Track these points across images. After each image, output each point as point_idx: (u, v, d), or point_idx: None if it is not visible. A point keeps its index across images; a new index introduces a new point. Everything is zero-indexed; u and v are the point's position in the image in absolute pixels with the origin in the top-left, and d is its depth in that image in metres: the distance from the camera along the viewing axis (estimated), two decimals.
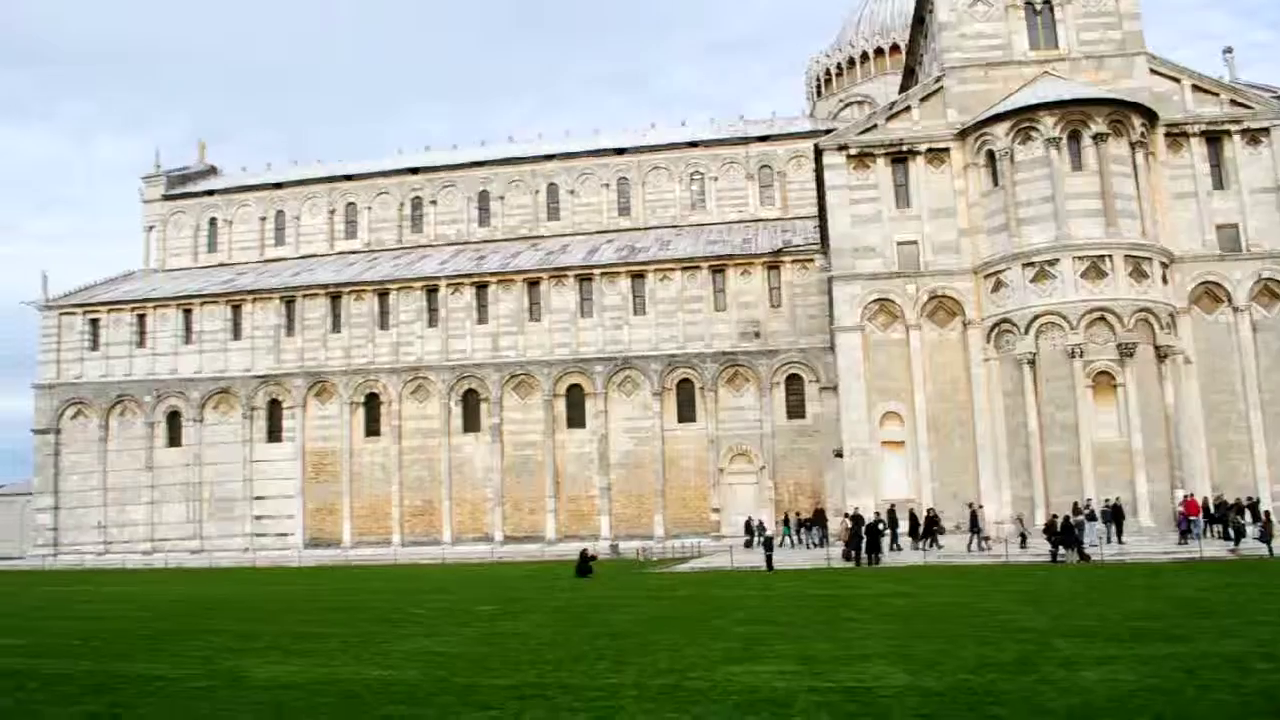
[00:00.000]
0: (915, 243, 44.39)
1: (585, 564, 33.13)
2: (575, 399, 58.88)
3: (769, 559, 32.41)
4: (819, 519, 45.10)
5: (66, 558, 62.66)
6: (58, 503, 64.64)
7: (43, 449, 65.26)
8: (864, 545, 33.22)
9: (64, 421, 65.22)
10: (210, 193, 75.10)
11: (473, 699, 11.02)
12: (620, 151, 68.71)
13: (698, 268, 58.22)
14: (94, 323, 66.48)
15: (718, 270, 58.20)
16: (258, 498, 62.13)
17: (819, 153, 46.56)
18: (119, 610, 25.41)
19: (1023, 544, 35.30)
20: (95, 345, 66.10)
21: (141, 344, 65.42)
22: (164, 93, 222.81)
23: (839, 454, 46.28)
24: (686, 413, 57.44)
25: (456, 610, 22.63)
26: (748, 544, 45.68)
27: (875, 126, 45.70)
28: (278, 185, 73.80)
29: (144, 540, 62.73)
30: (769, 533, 38.18)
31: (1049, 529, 32.29)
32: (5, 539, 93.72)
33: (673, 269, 58.54)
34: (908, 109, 45.59)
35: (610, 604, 22.69)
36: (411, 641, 16.56)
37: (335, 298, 63.03)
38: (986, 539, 35.65)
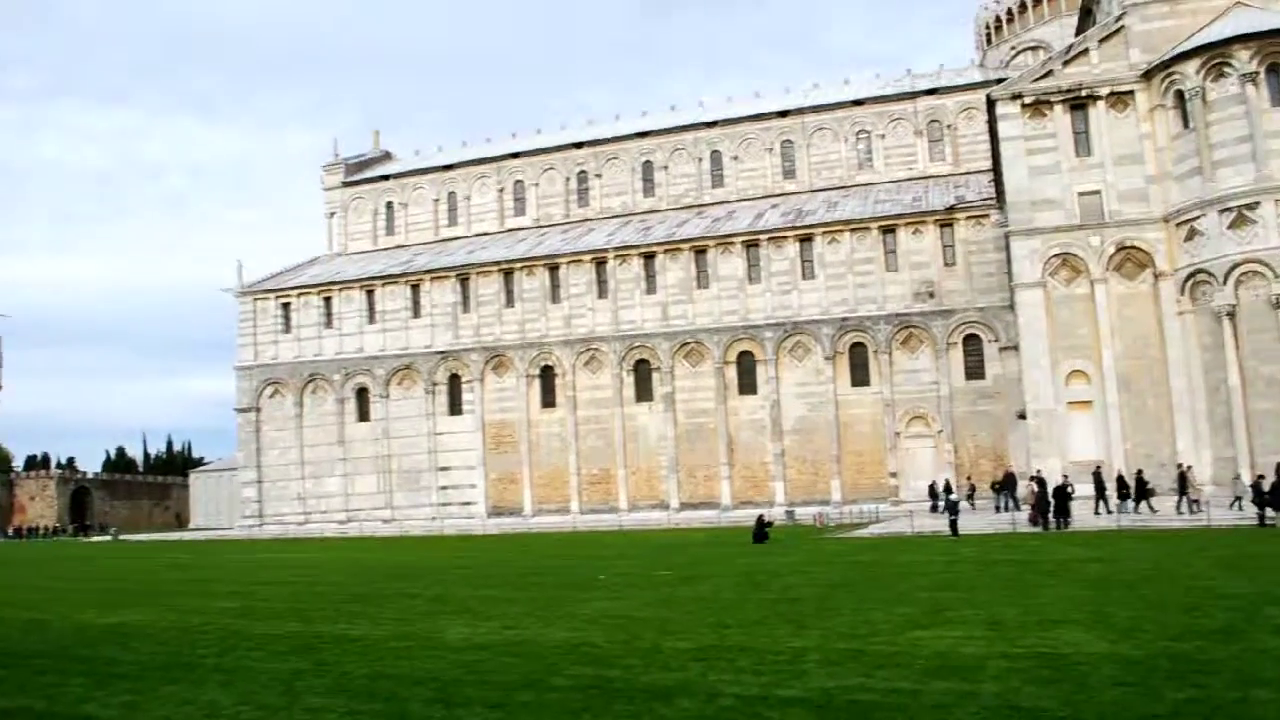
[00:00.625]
0: (1098, 193, 42.14)
1: (761, 530, 33.04)
2: (746, 365, 58.68)
3: (954, 524, 31.52)
4: (1009, 483, 43.23)
5: (270, 528, 66.66)
6: (260, 476, 68.74)
7: (245, 427, 69.48)
8: (1052, 509, 31.93)
9: (263, 400, 69.21)
10: (385, 177, 77.97)
11: (656, 660, 11.12)
12: (783, 114, 67.68)
13: (867, 229, 56.92)
14: (285, 306, 70.17)
15: (888, 230, 56.76)
16: (442, 468, 64.54)
17: (991, 104, 44.69)
18: (319, 576, 26.84)
19: (1237, 506, 33.23)
20: (288, 328, 69.79)
21: (329, 325, 68.69)
22: (340, 85, 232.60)
23: (1022, 416, 44.57)
24: (860, 376, 56.44)
25: (636, 575, 22.92)
26: (933, 508, 44.60)
27: (1051, 73, 43.51)
28: (448, 167, 75.99)
29: (339, 510, 66.11)
30: (954, 496, 36.95)
31: (1256, 490, 30.26)
32: (217, 511, 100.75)
33: (841, 231, 57.41)
34: (1085, 52, 43.20)
35: (789, 569, 22.55)
36: (595, 605, 16.86)
37: (508, 273, 64.58)
38: (1195, 502, 33.61)
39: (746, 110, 69.46)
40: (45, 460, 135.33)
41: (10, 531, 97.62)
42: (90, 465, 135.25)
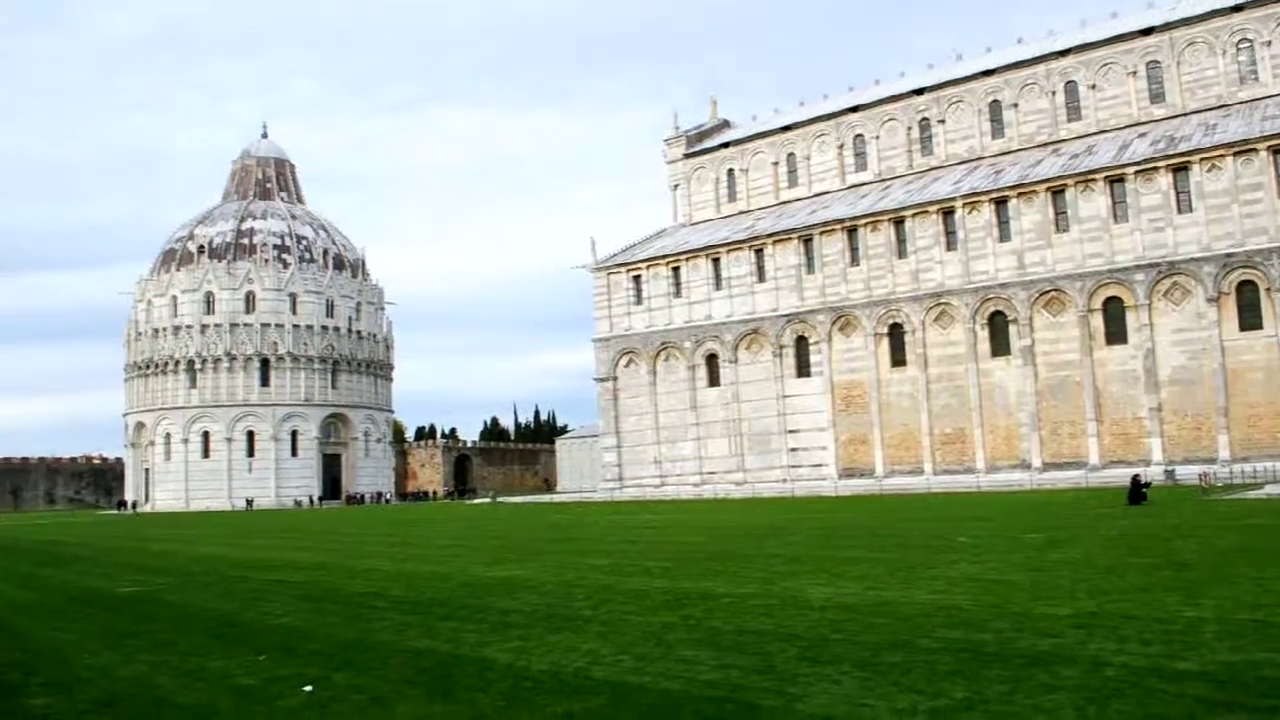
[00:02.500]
0: None
1: (1138, 491, 30.59)
2: (1113, 313, 54.42)
3: None
4: None
5: (630, 490, 70.05)
6: (619, 442, 72.36)
7: (604, 395, 73.33)
8: None
9: (619, 369, 72.69)
10: (725, 145, 79.07)
11: (1028, 626, 10.52)
12: (1146, 32, 61.65)
13: (1254, 151, 50.80)
14: (636, 279, 73.14)
15: (1279, 151, 50.33)
16: (791, 431, 64.94)
17: None
18: (678, 536, 27.82)
19: None
20: (639, 299, 72.74)
21: (678, 294, 70.86)
22: (673, 60, 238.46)
23: None
24: (1250, 320, 50.71)
25: (1000, 537, 21.91)
26: None
27: None
28: (786, 128, 75.83)
29: (693, 473, 68.31)
30: None
31: None
32: (580, 475, 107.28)
33: (1222, 156, 51.60)
34: None
35: (1172, 533, 20.67)
36: (957, 568, 16.26)
37: (851, 231, 63.64)
38: None
39: (1103, 33, 63.91)
40: (432, 431, 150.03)
41: (405, 495, 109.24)
42: (469, 435, 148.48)
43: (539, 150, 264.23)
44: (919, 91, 69.82)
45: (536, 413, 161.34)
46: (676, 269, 71.28)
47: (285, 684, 9.17)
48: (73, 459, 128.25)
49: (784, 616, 11.92)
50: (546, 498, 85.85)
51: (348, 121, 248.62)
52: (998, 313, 57.88)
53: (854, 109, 72.73)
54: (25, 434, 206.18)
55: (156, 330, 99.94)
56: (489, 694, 8.37)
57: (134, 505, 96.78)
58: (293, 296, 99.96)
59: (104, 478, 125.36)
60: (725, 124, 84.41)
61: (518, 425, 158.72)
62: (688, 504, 54.04)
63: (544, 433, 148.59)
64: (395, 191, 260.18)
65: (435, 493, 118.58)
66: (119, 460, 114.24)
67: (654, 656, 9.73)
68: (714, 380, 68.70)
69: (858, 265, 63.37)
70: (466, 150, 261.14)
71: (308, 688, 8.90)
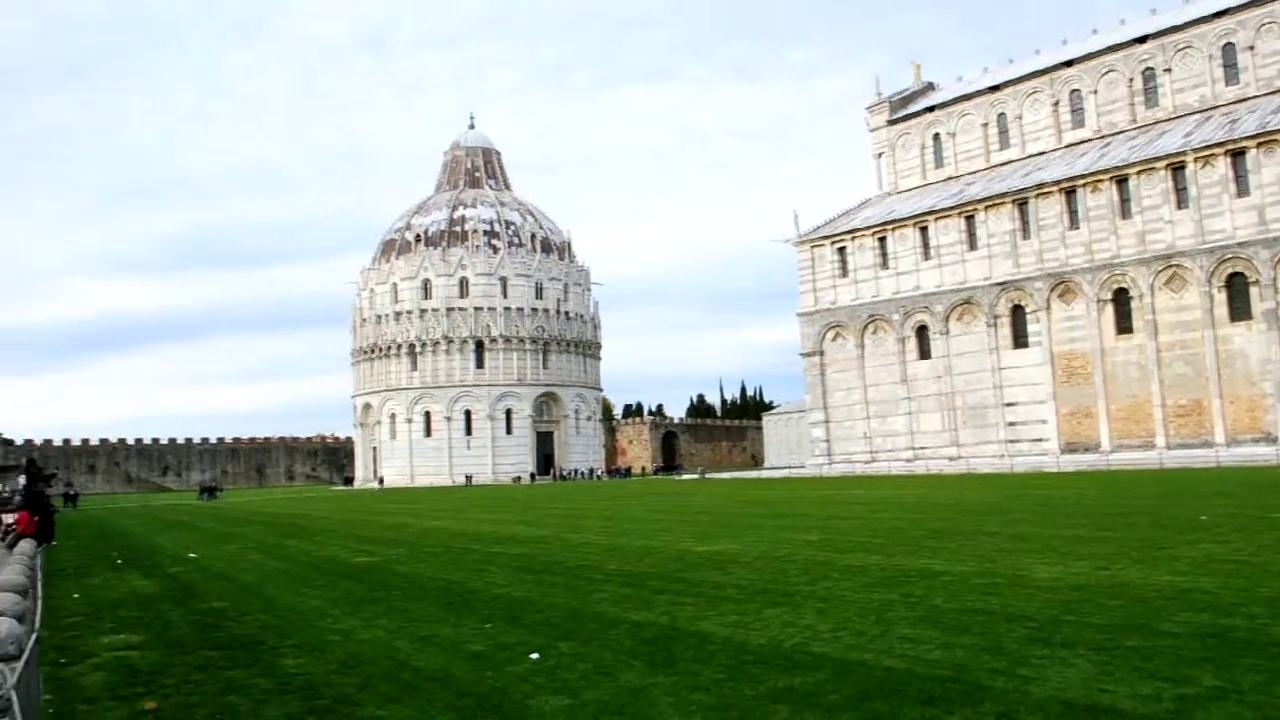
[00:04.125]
0: None
1: None
2: None
3: None
4: None
5: (838, 466, 69.10)
6: (827, 417, 71.43)
7: (810, 370, 72.51)
8: None
9: (825, 344, 71.70)
10: (930, 109, 76.44)
11: None
12: None
13: None
14: (840, 251, 71.84)
15: None
16: (1008, 404, 62.42)
17: None
18: (892, 512, 27.24)
19: None
20: (844, 271, 71.45)
21: (884, 265, 69.17)
22: (867, 25, 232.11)
23: None
24: None
25: (1245, 516, 20.38)
26: None
27: None
28: (995, 88, 72.60)
29: (904, 449, 66.69)
30: None
31: None
32: (788, 451, 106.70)
33: None
34: None
35: None
36: (1200, 548, 15.22)
37: (1069, 193, 60.42)
38: None
39: None
40: (639, 409, 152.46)
41: (613, 471, 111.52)
42: (676, 412, 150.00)
43: (734, 125, 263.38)
44: (1141, 40, 65.26)
45: (743, 388, 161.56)
46: (883, 239, 69.56)
47: (513, 651, 9.52)
48: (308, 439, 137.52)
49: (1010, 596, 11.46)
50: (754, 474, 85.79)
51: (546, 108, 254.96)
52: (1236, 274, 53.64)
53: (1068, 63, 68.74)
54: (267, 416, 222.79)
55: (379, 316, 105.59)
56: (709, 666, 8.42)
57: (380, 480, 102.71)
58: (503, 280, 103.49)
59: (336, 455, 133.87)
60: (929, 87, 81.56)
61: (724, 401, 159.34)
62: (899, 480, 52.87)
63: (750, 409, 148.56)
64: (595, 174, 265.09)
65: (644, 469, 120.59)
66: (349, 439, 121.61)
67: (874, 634, 9.56)
68: (924, 353, 66.76)
69: (1077, 228, 60.05)
70: (661, 130, 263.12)
71: (534, 655, 9.20)
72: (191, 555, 23.02)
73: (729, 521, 26.13)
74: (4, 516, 35.37)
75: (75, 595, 16.20)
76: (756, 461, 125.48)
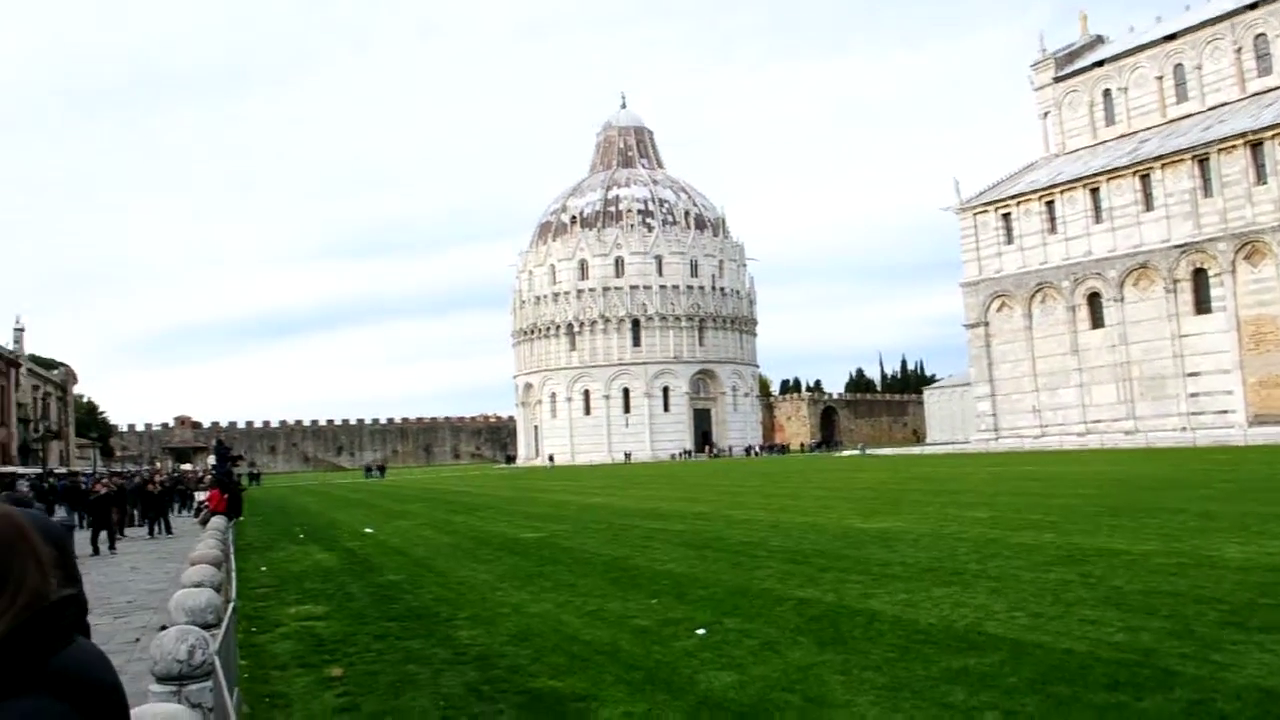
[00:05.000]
0: None
1: None
2: None
3: None
4: None
5: (1005, 441, 66.89)
6: (993, 390, 69.22)
7: (975, 342, 70.35)
8: None
9: (990, 314, 69.42)
10: (1099, 64, 72.76)
11: None
12: None
13: None
14: (1005, 217, 69.32)
15: None
16: (1190, 374, 59.17)
17: None
18: (1064, 488, 26.21)
19: None
20: (1009, 238, 68.94)
21: (1053, 230, 66.42)
22: None
23: None
24: None
25: None
26: None
27: None
28: (1170, 37, 68.51)
29: (1076, 423, 64.06)
30: None
31: None
32: (951, 426, 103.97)
33: None
34: None
35: None
36: None
37: (1255, 146, 56.65)
38: None
39: None
40: (797, 384, 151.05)
41: (770, 447, 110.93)
42: (834, 386, 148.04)
43: (890, 93, 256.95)
44: None
45: (903, 362, 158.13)
46: (1050, 203, 66.71)
47: (679, 626, 9.56)
48: (472, 418, 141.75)
49: (1197, 577, 10.84)
50: (916, 449, 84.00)
51: (697, 84, 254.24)
52: None
53: (1253, 5, 64.13)
54: (434, 396, 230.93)
55: (538, 298, 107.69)
56: (879, 645, 8.26)
57: (551, 458, 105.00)
58: (658, 259, 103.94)
59: (499, 434, 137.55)
60: (1098, 40, 77.50)
61: (884, 376, 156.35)
62: (1071, 455, 50.79)
63: (911, 383, 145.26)
64: (749, 149, 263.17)
65: (802, 445, 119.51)
66: (511, 418, 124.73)
67: (1052, 614, 9.19)
68: (1097, 321, 63.81)
69: (1265, 184, 56.17)
70: (815, 101, 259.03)
71: (701, 630, 9.22)
72: (367, 530, 24.03)
73: (893, 498, 25.62)
74: (197, 494, 37.77)
75: (263, 568, 17.13)
76: (918, 437, 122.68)
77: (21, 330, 68.29)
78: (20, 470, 47.92)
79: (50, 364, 79.41)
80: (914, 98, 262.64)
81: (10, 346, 64.47)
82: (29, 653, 1.66)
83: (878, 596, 10.61)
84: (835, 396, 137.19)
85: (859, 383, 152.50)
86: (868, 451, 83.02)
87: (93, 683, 1.75)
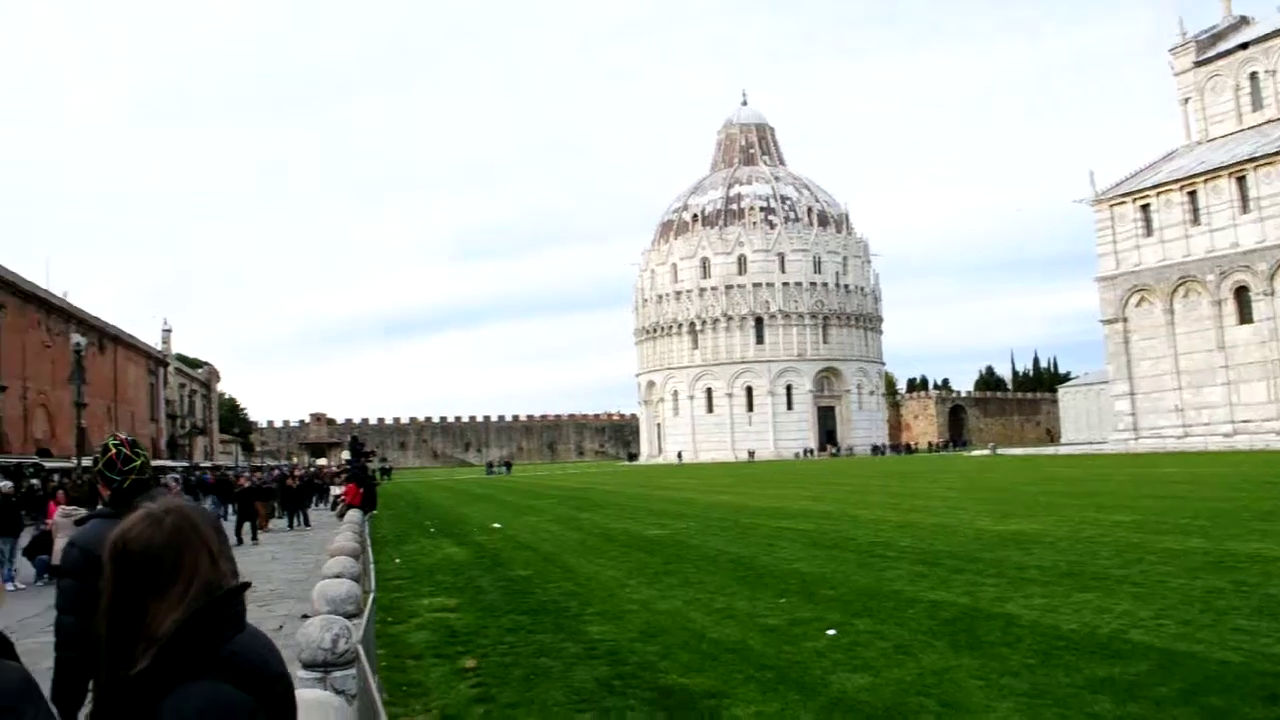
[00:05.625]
0: None
1: None
2: None
3: None
4: None
5: (1146, 441, 64.28)
6: (1132, 389, 66.60)
7: (1112, 338, 67.78)
8: None
9: (1129, 309, 66.81)
10: (1244, 46, 69.23)
11: None
12: None
13: None
14: (1144, 208, 66.62)
15: None
16: None
17: None
18: (1212, 492, 25.06)
19: None
20: (1148, 230, 66.24)
21: (1195, 221, 63.56)
22: None
23: None
24: None
25: None
26: None
27: None
28: None
29: (1222, 423, 61.16)
30: None
31: None
32: (1087, 425, 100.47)
33: None
34: None
35: None
36: None
37: None
38: None
39: None
40: (924, 382, 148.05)
41: (896, 447, 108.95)
42: (962, 385, 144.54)
43: (1021, 82, 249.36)
44: None
45: (1035, 360, 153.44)
46: (1192, 193, 63.77)
47: (808, 626, 9.45)
48: (595, 415, 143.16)
49: None
50: (1050, 450, 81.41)
51: (822, 78, 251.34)
52: None
53: None
54: (559, 394, 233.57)
55: (660, 296, 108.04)
56: (1018, 650, 8.02)
57: (679, 455, 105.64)
58: (781, 256, 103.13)
59: (621, 432, 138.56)
60: (1242, 21, 73.60)
61: (1015, 373, 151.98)
62: (1218, 456, 48.49)
63: (1044, 381, 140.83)
64: (872, 143, 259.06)
65: (932, 444, 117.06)
66: (633, 416, 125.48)
67: (1202, 623, 8.78)
68: (1245, 316, 60.72)
69: None
70: (939, 94, 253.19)
71: (831, 631, 9.10)
72: (496, 525, 24.47)
73: (1027, 500, 24.87)
74: (333, 489, 39.10)
75: (396, 560, 17.60)
76: (1052, 437, 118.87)
77: (169, 331, 71.86)
78: (169, 463, 50.40)
79: (195, 363, 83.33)
80: (1044, 87, 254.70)
81: (159, 347, 67.84)
82: (204, 639, 1.74)
83: (1014, 600, 10.30)
84: (964, 395, 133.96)
85: (989, 381, 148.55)
86: (999, 451, 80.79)
87: (263, 669, 1.82)
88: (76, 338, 32.63)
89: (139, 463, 3.81)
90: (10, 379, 40.27)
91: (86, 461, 30.29)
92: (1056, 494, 26.54)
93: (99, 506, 4.15)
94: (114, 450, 3.80)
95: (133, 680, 1.69)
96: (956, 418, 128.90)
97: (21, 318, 42.11)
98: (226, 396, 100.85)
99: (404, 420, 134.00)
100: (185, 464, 54.79)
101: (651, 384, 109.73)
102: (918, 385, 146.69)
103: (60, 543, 13.74)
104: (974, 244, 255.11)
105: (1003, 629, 8.86)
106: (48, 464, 36.33)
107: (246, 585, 1.89)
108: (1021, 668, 7.45)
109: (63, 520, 14.11)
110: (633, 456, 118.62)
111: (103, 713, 1.73)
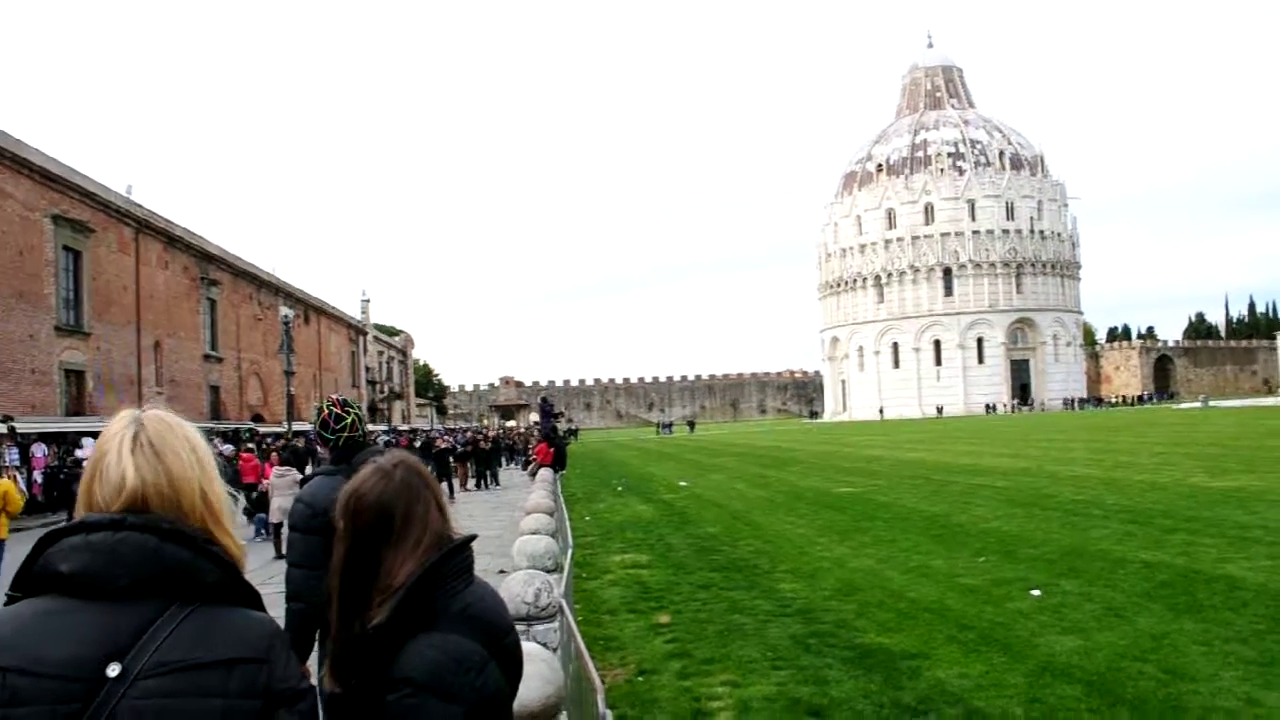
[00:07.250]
0: None
1: None
2: None
3: None
4: None
5: None
6: None
7: None
8: None
9: None
10: None
11: None
12: None
13: None
14: None
15: None
16: None
17: None
18: None
19: None
20: None
21: None
22: None
23: None
24: None
25: None
26: None
27: None
28: None
29: None
30: None
31: None
32: None
33: None
34: None
35: None
36: None
37: None
38: None
39: None
40: (1125, 332, 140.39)
41: (1096, 400, 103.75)
42: (1169, 334, 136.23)
43: (1222, 5, 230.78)
44: None
45: (1251, 305, 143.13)
46: None
47: (1010, 586, 9.12)
48: (778, 373, 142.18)
49: None
50: (1269, 401, 75.95)
51: (1013, 14, 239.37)
52: None
53: None
54: (741, 351, 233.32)
55: (844, 250, 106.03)
56: (1243, 615, 7.49)
57: (880, 411, 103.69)
58: (970, 203, 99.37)
59: (804, 389, 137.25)
60: None
61: (1229, 320, 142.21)
62: None
63: (1262, 327, 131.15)
64: (1069, 80, 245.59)
65: (1136, 397, 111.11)
66: (817, 373, 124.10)
67: None
68: None
69: None
70: (1137, 24, 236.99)
71: (1035, 592, 8.74)
72: (682, 483, 24.67)
73: (1246, 455, 23.23)
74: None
75: (587, 518, 17.98)
76: (1270, 387, 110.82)
77: (368, 301, 75.39)
78: (371, 428, 53.09)
79: (392, 331, 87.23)
80: (1252, 10, 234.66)
81: (359, 316, 71.31)
82: (436, 591, 1.76)
83: (1236, 562, 9.64)
84: (1171, 344, 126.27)
85: (1199, 328, 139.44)
86: (1210, 404, 75.89)
87: (496, 621, 1.84)
88: (285, 310, 34.61)
89: (350, 419, 3.95)
90: (226, 350, 43.19)
91: (297, 427, 32.23)
92: (1275, 448, 24.72)
93: (313, 467, 4.36)
94: (326, 411, 3.97)
95: (370, 633, 1.73)
96: (1162, 369, 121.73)
97: (235, 293, 45.02)
98: (421, 362, 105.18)
99: (589, 382, 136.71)
100: (385, 427, 57.56)
101: (835, 340, 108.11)
102: (1119, 335, 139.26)
103: (276, 502, 14.70)
104: (1180, 182, 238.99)
105: (1225, 592, 8.30)
106: (261, 429, 38.81)
107: (473, 537, 1.91)
108: (1249, 633, 6.96)
109: (278, 481, 15.07)
110: (815, 414, 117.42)
111: (341, 663, 1.78)
